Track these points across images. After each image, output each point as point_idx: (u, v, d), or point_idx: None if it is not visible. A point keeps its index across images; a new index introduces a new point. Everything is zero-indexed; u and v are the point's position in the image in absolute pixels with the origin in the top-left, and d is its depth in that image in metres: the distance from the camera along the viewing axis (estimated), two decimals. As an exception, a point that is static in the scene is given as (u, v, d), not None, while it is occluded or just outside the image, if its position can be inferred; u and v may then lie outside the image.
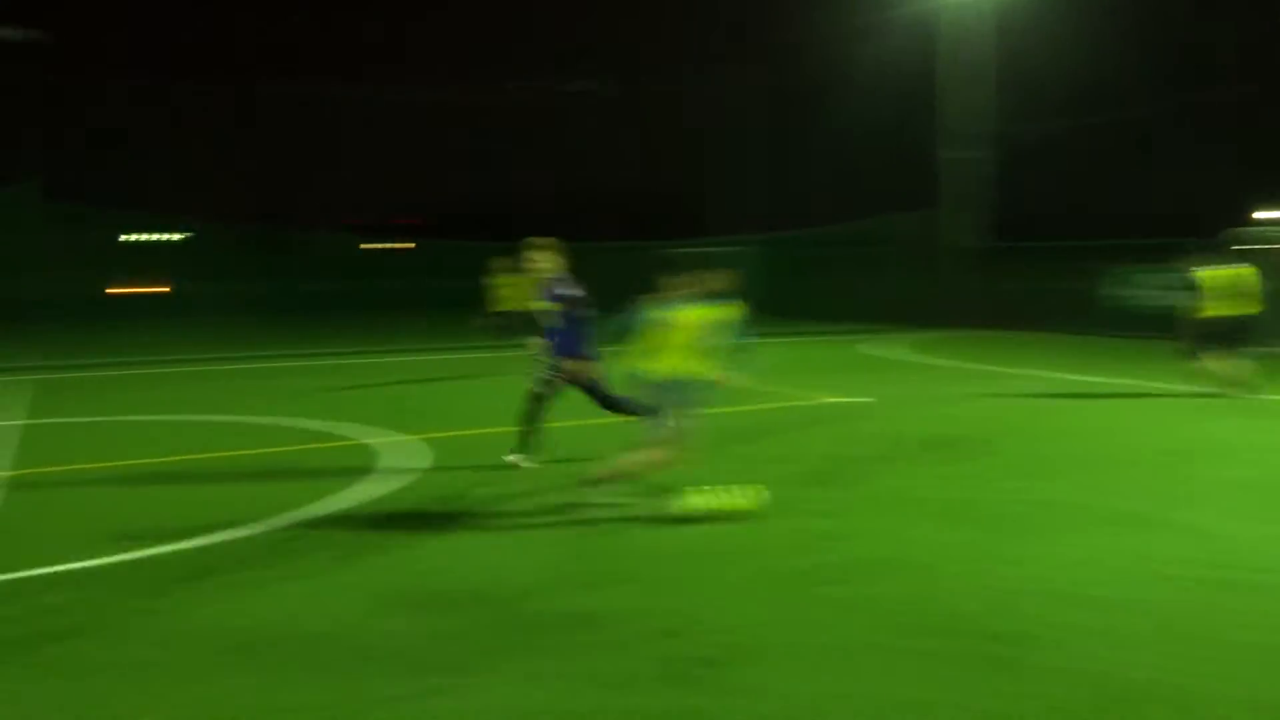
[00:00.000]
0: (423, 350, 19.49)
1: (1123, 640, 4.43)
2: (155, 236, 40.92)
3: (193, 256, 39.53)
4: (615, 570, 5.51)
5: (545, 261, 8.23)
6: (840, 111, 38.22)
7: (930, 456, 8.65)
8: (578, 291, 8.10)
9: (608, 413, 8.31)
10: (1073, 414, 11.26)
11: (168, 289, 36.90)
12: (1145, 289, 20.76)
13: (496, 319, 15.98)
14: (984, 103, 26.45)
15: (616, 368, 6.84)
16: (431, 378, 15.41)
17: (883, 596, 5.02)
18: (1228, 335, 11.45)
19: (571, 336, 8.02)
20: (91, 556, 5.79)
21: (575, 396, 8.35)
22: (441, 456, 8.77)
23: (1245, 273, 11.67)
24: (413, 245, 42.04)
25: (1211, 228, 15.81)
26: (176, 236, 40.22)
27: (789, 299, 30.83)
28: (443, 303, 28.75)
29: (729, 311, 6.79)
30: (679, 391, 6.66)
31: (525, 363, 9.15)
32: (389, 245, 42.41)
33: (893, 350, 19.52)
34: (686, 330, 6.65)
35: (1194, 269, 11.80)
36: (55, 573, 5.53)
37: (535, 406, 8.11)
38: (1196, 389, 11.94)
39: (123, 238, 39.78)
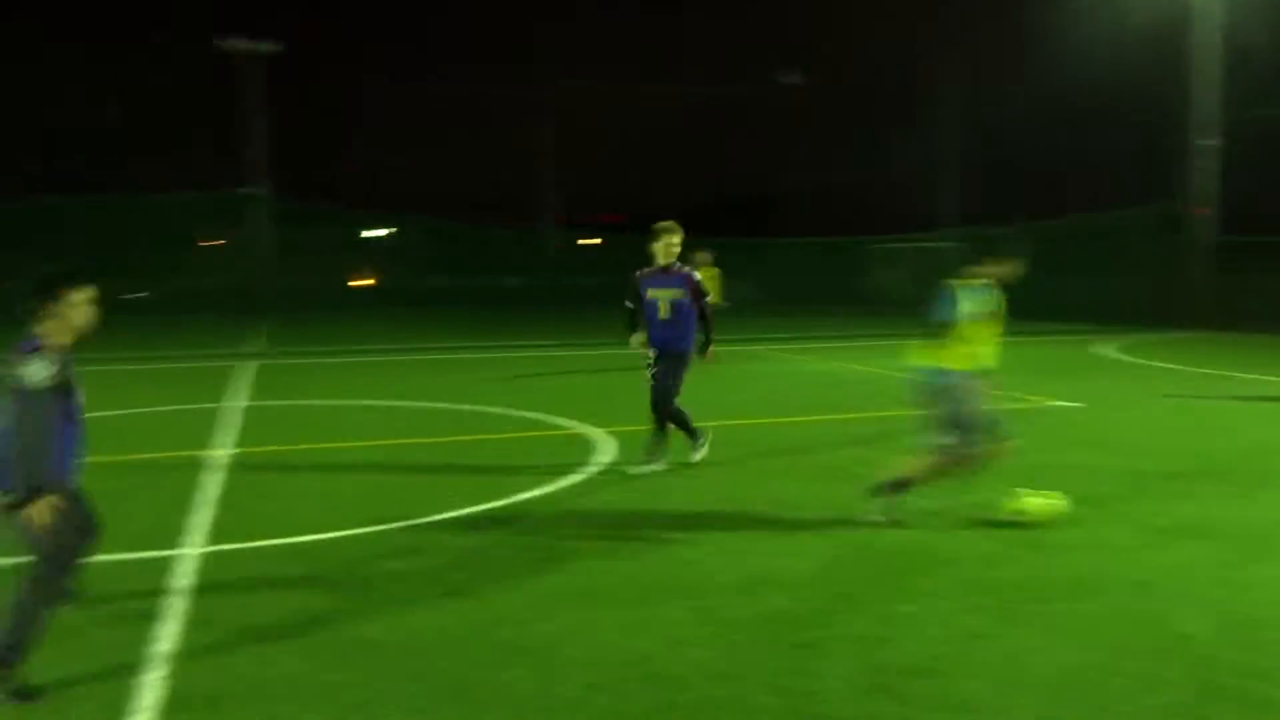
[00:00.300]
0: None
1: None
2: (383, 231, 43.52)
3: (404, 251, 41.95)
4: (826, 573, 5.37)
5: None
6: (1069, 96, 35.85)
7: (1160, 469, 8.01)
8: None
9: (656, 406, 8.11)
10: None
11: (373, 281, 39.41)
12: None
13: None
14: (1224, 89, 24.10)
15: (918, 361, 6.41)
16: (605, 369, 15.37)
17: (1099, 614, 4.71)
18: None
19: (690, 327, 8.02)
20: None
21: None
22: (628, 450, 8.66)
23: None
24: (599, 241, 42.83)
25: None
26: (383, 232, 42.71)
27: (1012, 297, 29.27)
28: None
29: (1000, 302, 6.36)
30: (976, 387, 6.22)
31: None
32: (587, 241, 43.36)
33: (1128, 351, 18.08)
34: (989, 321, 6.25)
35: None
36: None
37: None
38: None
39: (364, 234, 42.68)
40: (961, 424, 6.16)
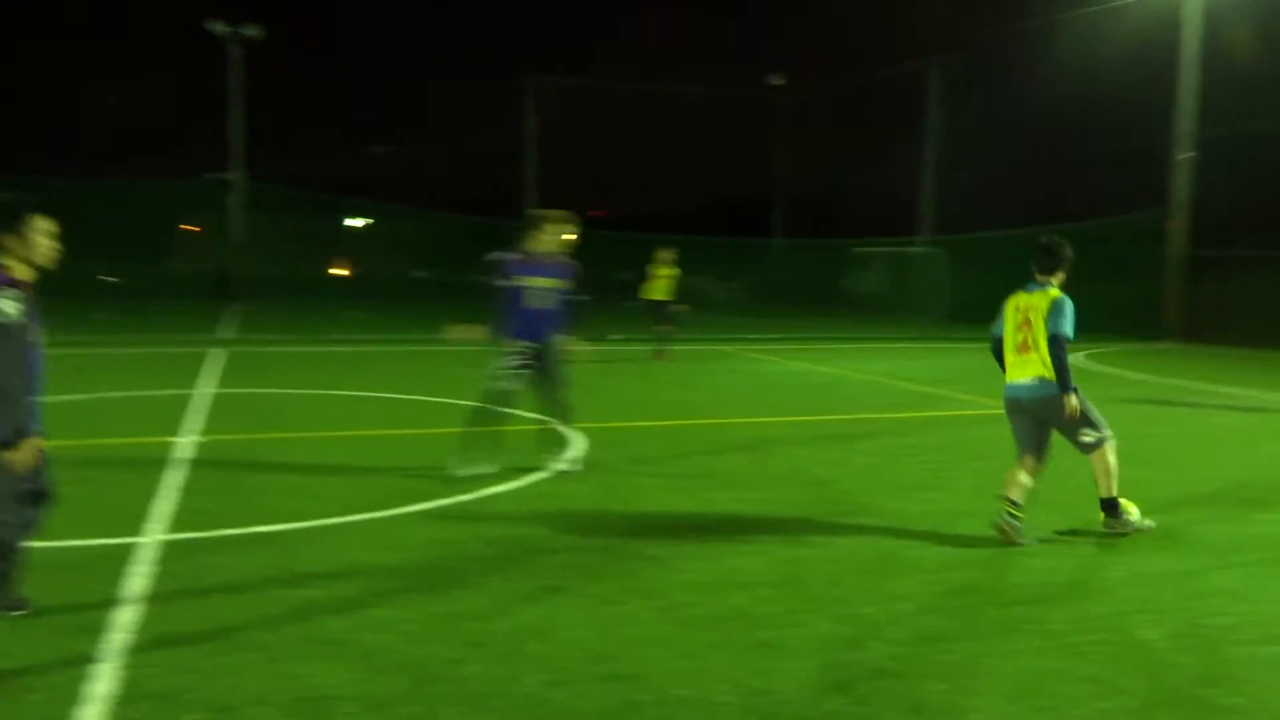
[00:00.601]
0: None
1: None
2: (361, 222, 43.26)
3: (382, 242, 41.81)
4: (787, 574, 5.40)
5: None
6: (1052, 106, 36.09)
7: (1121, 478, 7.89)
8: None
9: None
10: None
11: (347, 272, 39.24)
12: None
13: (651, 306, 17.29)
14: (1203, 104, 24.39)
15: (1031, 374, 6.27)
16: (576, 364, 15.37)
17: (1059, 619, 4.75)
18: None
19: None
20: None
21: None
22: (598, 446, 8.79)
23: None
24: (575, 236, 42.82)
25: None
26: (360, 222, 42.53)
27: (989, 304, 29.52)
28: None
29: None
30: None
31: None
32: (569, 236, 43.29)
33: (1096, 360, 18.23)
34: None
35: None
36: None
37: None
38: None
39: (348, 222, 42.41)
40: (1095, 419, 6.20)
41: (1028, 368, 6.16)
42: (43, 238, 4.19)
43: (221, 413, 10.32)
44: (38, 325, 4.17)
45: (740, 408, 11.66)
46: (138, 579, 5.02)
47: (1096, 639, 4.49)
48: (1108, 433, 6.23)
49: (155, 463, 7.71)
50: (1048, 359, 6.06)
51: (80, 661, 4.00)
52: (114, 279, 35.33)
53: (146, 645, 4.19)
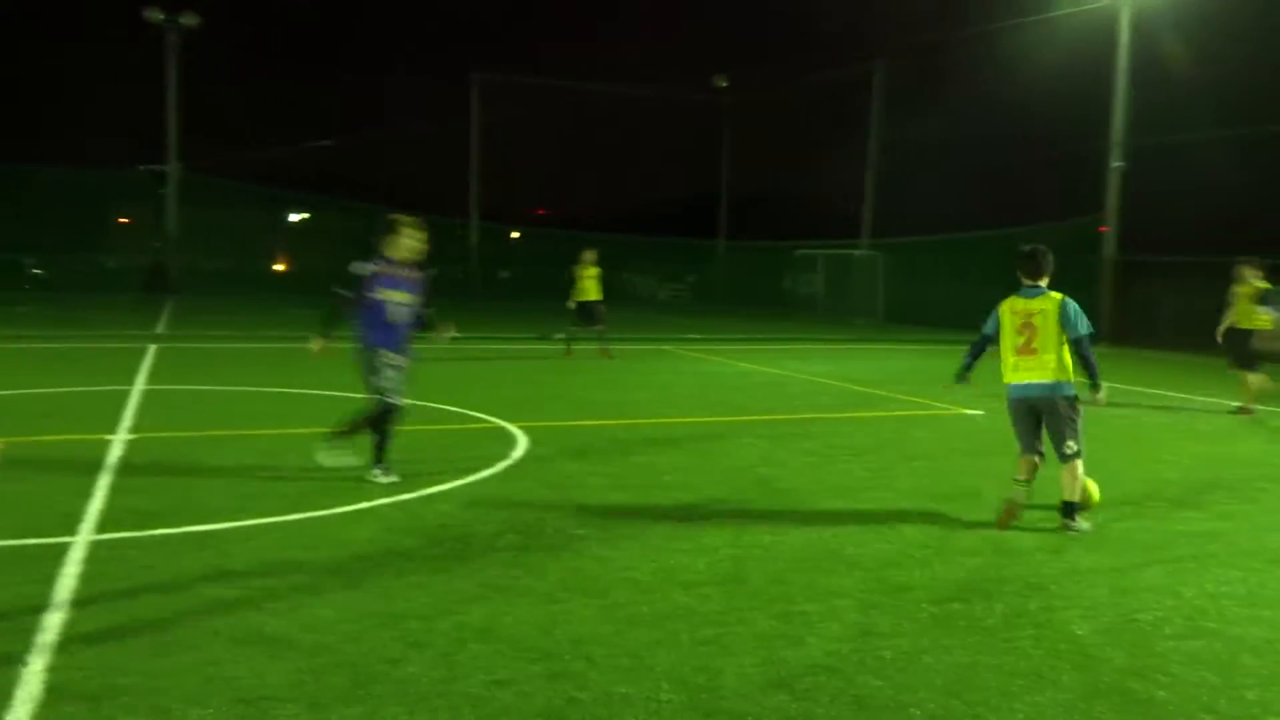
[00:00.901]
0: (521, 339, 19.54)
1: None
2: (297, 216, 42.61)
3: (322, 236, 41.24)
4: (730, 572, 5.43)
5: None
6: (988, 114, 36.82)
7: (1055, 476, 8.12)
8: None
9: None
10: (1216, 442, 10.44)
11: (284, 267, 38.66)
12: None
13: (580, 308, 17.26)
14: (1131, 115, 25.08)
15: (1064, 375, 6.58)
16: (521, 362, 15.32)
17: (995, 615, 4.84)
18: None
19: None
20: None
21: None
22: (538, 444, 8.80)
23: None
24: (517, 235, 42.76)
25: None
26: (297, 217, 41.94)
27: (925, 306, 30.09)
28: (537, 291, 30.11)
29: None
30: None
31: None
32: (516, 234, 43.22)
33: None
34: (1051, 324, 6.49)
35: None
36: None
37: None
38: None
39: (294, 217, 41.68)
40: (1079, 431, 6.53)
41: (1035, 369, 6.46)
42: None
43: (155, 410, 10.09)
44: None
45: (683, 407, 11.71)
46: (69, 579, 4.88)
47: (1031, 634, 4.59)
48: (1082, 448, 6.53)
49: (87, 461, 7.51)
50: (1064, 360, 6.42)
51: (9, 662, 3.89)
52: (41, 271, 34.36)
53: (78, 646, 4.09)
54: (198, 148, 34.83)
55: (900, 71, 36.60)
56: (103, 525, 5.85)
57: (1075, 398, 6.45)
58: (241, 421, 9.72)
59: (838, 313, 34.23)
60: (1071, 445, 6.45)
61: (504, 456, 8.20)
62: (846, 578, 5.33)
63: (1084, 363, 6.46)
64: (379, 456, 7.28)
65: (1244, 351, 12.35)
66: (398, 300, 7.20)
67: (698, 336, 23.15)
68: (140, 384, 11.90)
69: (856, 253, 35.10)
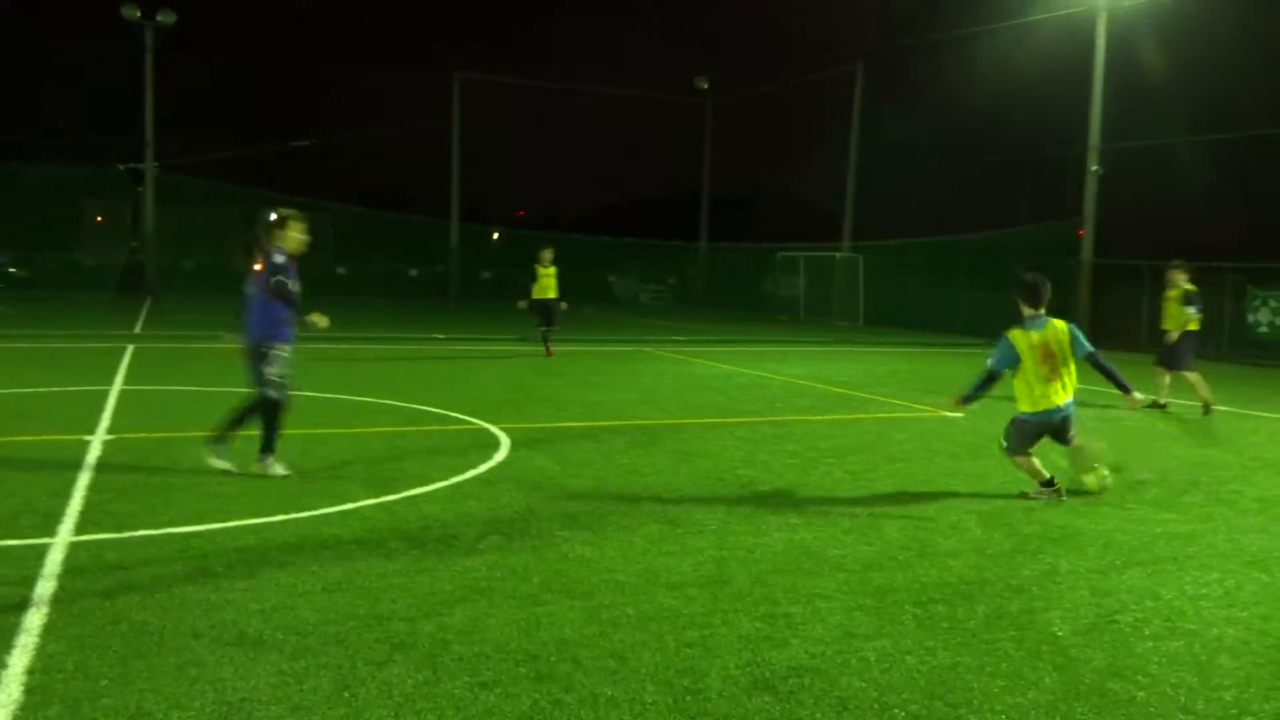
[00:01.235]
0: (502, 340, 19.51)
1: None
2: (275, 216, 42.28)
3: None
4: (713, 573, 5.45)
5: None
6: (967, 118, 37.06)
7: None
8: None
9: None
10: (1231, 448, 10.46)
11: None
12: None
13: (534, 306, 17.53)
14: (1107, 120, 25.34)
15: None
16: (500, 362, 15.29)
17: (975, 616, 4.88)
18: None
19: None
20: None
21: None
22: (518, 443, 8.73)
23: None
24: (496, 235, 42.73)
25: None
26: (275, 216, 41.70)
27: (905, 309, 30.22)
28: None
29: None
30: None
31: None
32: (496, 235, 43.15)
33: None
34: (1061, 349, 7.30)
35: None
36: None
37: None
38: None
39: (273, 217, 41.43)
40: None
41: (1061, 392, 7.26)
42: None
43: (133, 410, 10.01)
44: None
45: (666, 409, 11.72)
46: (48, 580, 4.84)
47: (1012, 635, 4.63)
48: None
49: (65, 461, 7.45)
50: (1074, 376, 7.35)
51: (-15, 667, 3.85)
52: (18, 270, 34.00)
53: (58, 648, 4.05)
54: (174, 145, 34.59)
55: (880, 75, 36.82)
56: (82, 526, 5.80)
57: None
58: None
59: (819, 315, 34.35)
60: (1075, 434, 7.53)
61: (486, 458, 8.18)
62: (829, 579, 5.36)
63: (1107, 374, 7.36)
64: (271, 447, 7.34)
65: (1173, 352, 12.80)
66: (297, 290, 7.39)
67: (679, 338, 23.17)
68: (118, 384, 11.80)
69: (838, 255, 35.23)
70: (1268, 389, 16.64)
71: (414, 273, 40.99)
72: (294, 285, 7.34)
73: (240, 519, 6.07)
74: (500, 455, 8.33)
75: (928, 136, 40.35)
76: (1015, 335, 7.29)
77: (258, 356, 7.34)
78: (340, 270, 40.06)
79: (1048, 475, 7.37)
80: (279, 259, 7.33)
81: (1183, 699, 4.02)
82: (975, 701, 3.92)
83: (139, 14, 32.42)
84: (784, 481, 7.81)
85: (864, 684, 4.04)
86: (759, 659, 4.25)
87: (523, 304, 17.75)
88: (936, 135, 39.89)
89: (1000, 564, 5.77)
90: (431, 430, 9.64)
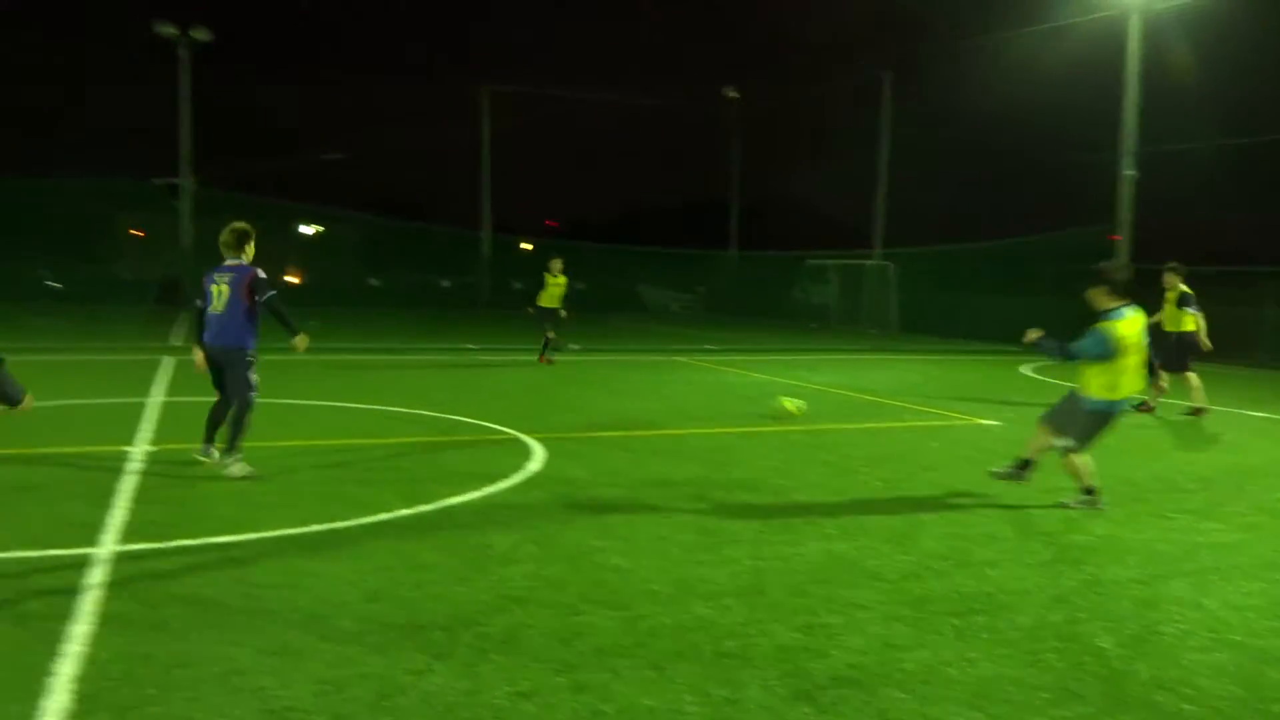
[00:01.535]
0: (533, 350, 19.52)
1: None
2: (311, 229, 42.83)
3: (335, 248, 41.43)
4: (750, 583, 5.43)
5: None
6: (996, 125, 36.83)
7: (1075, 487, 8.08)
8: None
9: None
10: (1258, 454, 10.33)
11: (298, 280, 38.83)
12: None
13: (541, 312, 17.70)
14: (1144, 123, 25.06)
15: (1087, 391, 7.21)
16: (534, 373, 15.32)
17: (1017, 627, 4.83)
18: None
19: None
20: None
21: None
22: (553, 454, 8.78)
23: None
24: (530, 247, 42.95)
25: None
26: (311, 230, 42.19)
27: (938, 315, 30.01)
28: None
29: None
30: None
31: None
32: (527, 245, 43.33)
33: (1042, 372, 18.60)
34: (1139, 343, 7.20)
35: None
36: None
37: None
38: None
39: (303, 229, 41.91)
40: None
41: (1139, 381, 7.32)
42: None
43: (173, 421, 10.13)
44: None
45: (698, 418, 11.70)
46: (91, 590, 4.91)
47: (1054, 647, 4.58)
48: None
49: (107, 472, 7.55)
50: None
51: (37, 674, 3.91)
52: (58, 284, 34.55)
53: (103, 658, 4.10)
54: (209, 159, 35.05)
55: (909, 81, 36.66)
56: (124, 536, 5.88)
57: None
58: (259, 433, 9.71)
59: (850, 323, 34.20)
60: None
61: (520, 468, 8.21)
62: (867, 589, 5.32)
63: (1150, 368, 7.49)
64: (238, 446, 7.67)
65: (1172, 356, 12.65)
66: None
67: (710, 347, 23.14)
68: (158, 395, 11.95)
69: (868, 262, 35.08)
70: (1310, 396, 16.35)
71: (446, 283, 41.27)
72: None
73: (279, 529, 6.12)
74: (534, 465, 8.36)
75: (952, 142, 40.11)
76: (1118, 327, 7.05)
77: (241, 364, 7.85)
78: (373, 281, 40.43)
79: (1093, 483, 7.28)
80: (262, 273, 7.95)
81: (1231, 712, 3.96)
82: (1019, 714, 3.88)
83: (174, 30, 32.90)
84: (818, 490, 7.77)
85: (905, 695, 4.01)
86: (798, 670, 4.23)
87: (531, 310, 17.96)
88: (961, 141, 39.64)
89: (1041, 574, 5.71)
90: (465, 440, 9.69)
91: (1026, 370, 19.33)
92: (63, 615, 4.55)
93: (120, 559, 5.44)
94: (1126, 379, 7.13)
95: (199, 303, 8.03)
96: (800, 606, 5.02)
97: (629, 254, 42.38)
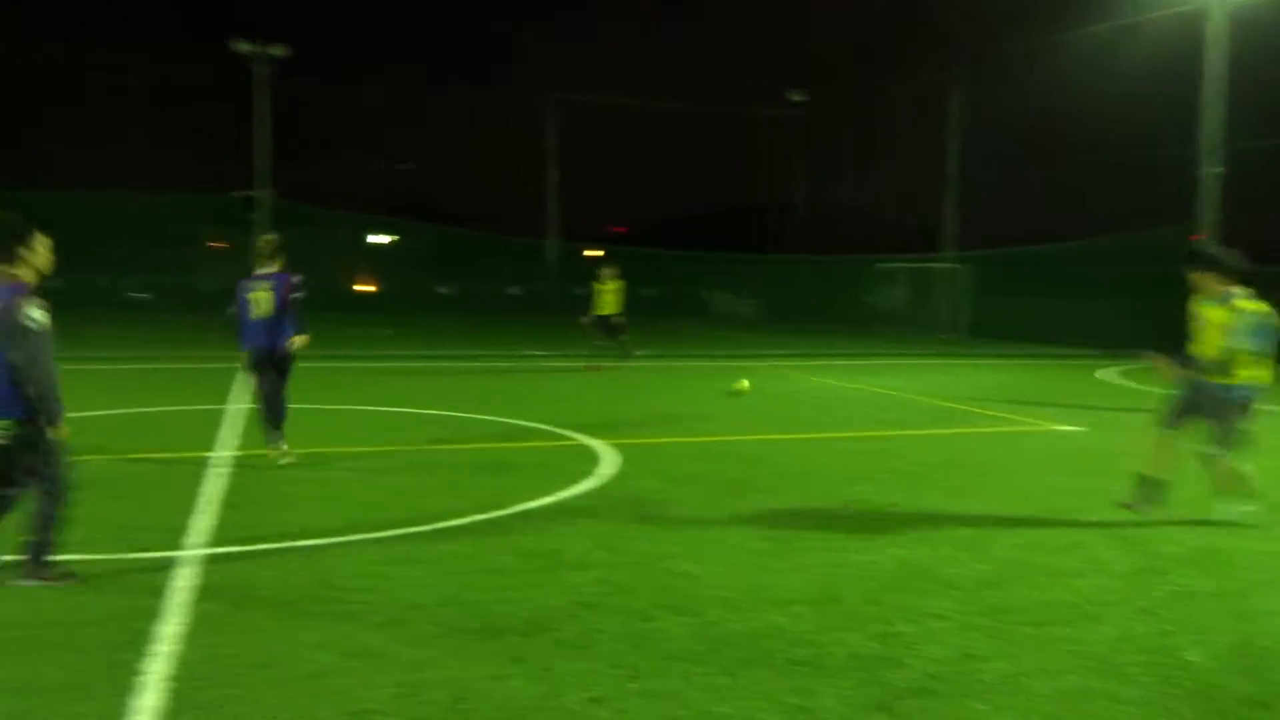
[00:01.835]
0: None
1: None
2: (386, 239, 43.66)
3: (407, 257, 42.16)
4: (822, 591, 5.39)
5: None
6: (1072, 123, 36.03)
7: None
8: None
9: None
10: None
11: (374, 288, 39.58)
12: None
13: (597, 321, 17.98)
14: (1229, 119, 24.25)
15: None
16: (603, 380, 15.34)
17: (1099, 639, 4.71)
18: None
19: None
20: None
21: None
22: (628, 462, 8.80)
23: None
24: (601, 253, 43.20)
25: None
26: (386, 239, 42.98)
27: (1011, 319, 29.44)
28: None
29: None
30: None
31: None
32: (592, 252, 43.61)
33: (1129, 377, 18.13)
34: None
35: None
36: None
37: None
38: None
39: (372, 239, 42.80)
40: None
41: None
42: (45, 250, 4.95)
43: (253, 426, 10.39)
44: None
45: (767, 424, 11.64)
46: (178, 593, 5.06)
47: (1141, 660, 4.45)
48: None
49: (192, 476, 7.78)
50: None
51: (126, 674, 4.04)
52: (143, 294, 35.70)
53: (191, 658, 4.22)
54: (285, 171, 35.91)
55: (981, 81, 36.07)
56: (211, 539, 6.04)
57: None
58: (338, 439, 9.95)
59: (920, 327, 33.71)
60: None
61: (590, 473, 8.25)
62: (943, 598, 5.23)
63: None
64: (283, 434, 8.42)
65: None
66: None
67: (780, 353, 23.01)
68: (237, 402, 12.26)
69: (937, 266, 34.56)
70: None
71: (514, 290, 41.73)
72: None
73: (358, 533, 6.24)
74: (604, 471, 8.39)
75: (1026, 142, 39.34)
76: (1268, 309, 6.72)
77: (289, 359, 8.50)
78: (442, 290, 41.01)
79: (1253, 486, 6.96)
80: (295, 277, 8.45)
81: (1330, 729, 3.81)
82: (1104, 727, 3.78)
83: (249, 47, 33.78)
84: (890, 497, 7.67)
85: (986, 707, 3.93)
86: (875, 679, 4.18)
87: (585, 319, 18.11)
88: (1035, 141, 38.87)
89: (1124, 584, 5.56)
90: (536, 446, 9.77)
91: (1102, 375, 18.85)
92: (152, 615, 4.69)
93: (206, 562, 5.60)
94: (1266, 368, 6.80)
95: (232, 310, 8.51)
96: (874, 615, 4.96)
97: (696, 260, 42.36)
